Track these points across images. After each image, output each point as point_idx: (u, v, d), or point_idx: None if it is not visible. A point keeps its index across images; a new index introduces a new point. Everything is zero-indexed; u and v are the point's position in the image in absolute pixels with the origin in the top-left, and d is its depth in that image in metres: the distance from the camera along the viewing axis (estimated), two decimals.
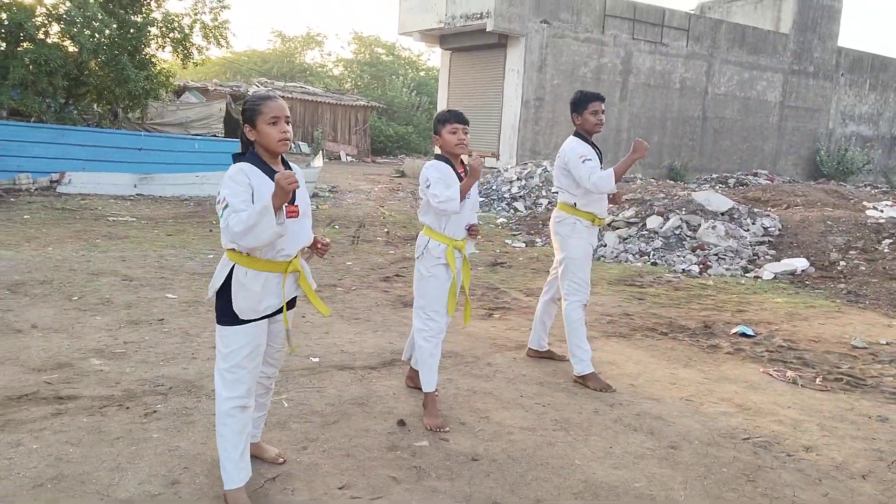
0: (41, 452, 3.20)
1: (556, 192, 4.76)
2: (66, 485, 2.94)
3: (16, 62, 13.22)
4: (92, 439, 3.36)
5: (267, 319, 2.90)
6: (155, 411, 3.73)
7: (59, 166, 12.77)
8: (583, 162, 4.39)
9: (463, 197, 3.73)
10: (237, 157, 2.83)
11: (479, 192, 15.33)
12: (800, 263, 8.91)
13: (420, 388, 3.98)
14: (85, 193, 12.51)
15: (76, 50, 14.02)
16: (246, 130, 2.81)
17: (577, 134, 4.59)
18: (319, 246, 3.02)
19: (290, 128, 2.81)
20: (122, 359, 4.50)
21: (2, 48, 13.84)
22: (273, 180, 2.64)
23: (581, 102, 4.54)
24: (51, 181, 12.61)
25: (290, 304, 3.00)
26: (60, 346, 4.66)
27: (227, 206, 2.64)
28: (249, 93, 27.12)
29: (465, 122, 3.82)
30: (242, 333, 2.81)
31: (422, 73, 40.26)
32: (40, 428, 3.44)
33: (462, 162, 3.91)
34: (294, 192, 2.77)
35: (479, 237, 4.06)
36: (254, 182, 2.73)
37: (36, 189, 12.38)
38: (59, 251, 7.67)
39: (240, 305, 2.78)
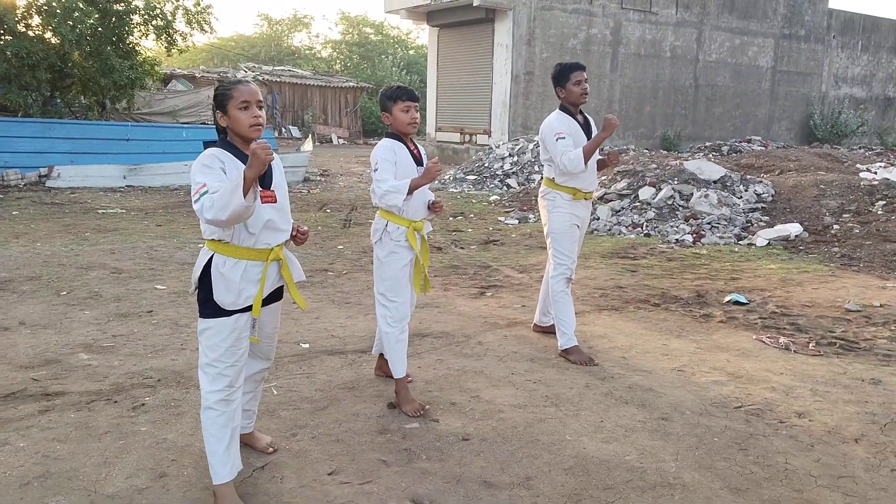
0: (28, 450, 3.18)
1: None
2: (53, 482, 2.92)
3: None
4: (79, 435, 3.34)
5: (250, 311, 2.82)
6: (143, 404, 3.71)
7: (48, 160, 12.69)
8: (556, 140, 4.35)
9: (422, 181, 3.58)
10: (208, 144, 2.75)
11: (471, 171, 15.29)
12: (793, 229, 8.88)
13: (391, 377, 3.84)
14: (74, 187, 12.44)
15: (58, 41, 13.88)
16: (218, 117, 2.72)
17: (562, 108, 4.54)
18: (297, 234, 2.95)
19: (262, 113, 2.73)
20: (110, 352, 4.48)
21: None
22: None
23: (562, 74, 4.46)
24: (39, 176, 12.54)
25: (276, 294, 2.93)
26: (48, 342, 4.63)
27: (206, 191, 2.54)
28: (237, 78, 27.01)
29: (416, 99, 3.68)
30: (223, 325, 2.73)
31: (411, 52, 40.00)
32: (27, 426, 3.42)
33: (412, 140, 3.79)
34: (270, 177, 2.77)
35: (443, 212, 4.00)
36: (227, 167, 2.66)
37: (25, 184, 12.31)
38: (48, 246, 7.63)
39: (220, 296, 2.71)
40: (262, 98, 2.74)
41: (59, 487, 2.88)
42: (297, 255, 3.00)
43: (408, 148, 3.72)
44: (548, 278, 4.84)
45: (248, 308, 2.78)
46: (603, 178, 11.28)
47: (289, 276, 2.88)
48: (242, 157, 2.69)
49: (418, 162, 3.73)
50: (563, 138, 4.35)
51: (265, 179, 2.75)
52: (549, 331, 4.90)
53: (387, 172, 3.60)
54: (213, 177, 2.60)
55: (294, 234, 2.94)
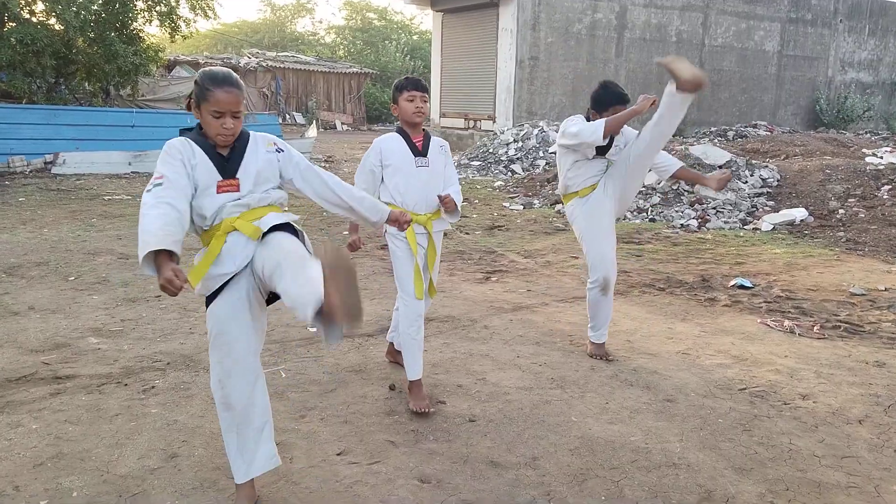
0: (41, 432, 3.22)
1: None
2: (66, 462, 2.96)
3: (2, 43, 13.10)
4: (91, 417, 3.38)
5: (244, 299, 2.54)
6: (153, 387, 3.75)
7: (53, 147, 12.71)
8: (573, 124, 4.05)
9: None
10: (183, 132, 2.61)
11: (476, 156, 15.28)
12: (798, 213, 8.87)
13: (400, 364, 3.81)
14: (80, 173, 12.47)
15: (62, 28, 13.88)
16: (192, 106, 2.57)
17: (586, 118, 4.16)
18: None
19: (235, 123, 2.51)
20: (119, 336, 4.52)
21: None
22: (209, 155, 2.52)
23: (604, 102, 4.07)
24: (45, 162, 12.56)
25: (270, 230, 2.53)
26: (58, 326, 4.67)
27: (160, 183, 2.37)
28: (241, 65, 26.92)
29: (422, 89, 3.57)
30: (209, 314, 2.57)
31: (415, 37, 39.84)
32: (39, 408, 3.46)
33: (423, 130, 3.65)
34: (236, 166, 2.57)
35: (455, 211, 3.60)
36: (190, 156, 2.50)
37: (30, 171, 12.34)
38: (55, 232, 7.67)
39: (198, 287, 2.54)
40: (241, 108, 2.55)
41: (72, 468, 2.92)
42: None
43: (409, 140, 3.61)
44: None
45: (218, 292, 2.54)
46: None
47: (244, 225, 2.51)
48: (211, 152, 2.55)
49: (419, 153, 3.59)
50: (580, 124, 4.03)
51: (227, 169, 2.55)
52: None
53: (359, 176, 3.66)
54: (172, 169, 2.44)
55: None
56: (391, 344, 4.17)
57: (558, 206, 9.76)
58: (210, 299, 2.57)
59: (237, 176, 2.57)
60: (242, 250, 2.51)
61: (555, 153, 4.27)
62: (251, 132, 2.68)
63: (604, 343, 4.36)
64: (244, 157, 2.60)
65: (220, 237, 2.52)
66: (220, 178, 2.54)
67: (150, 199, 2.35)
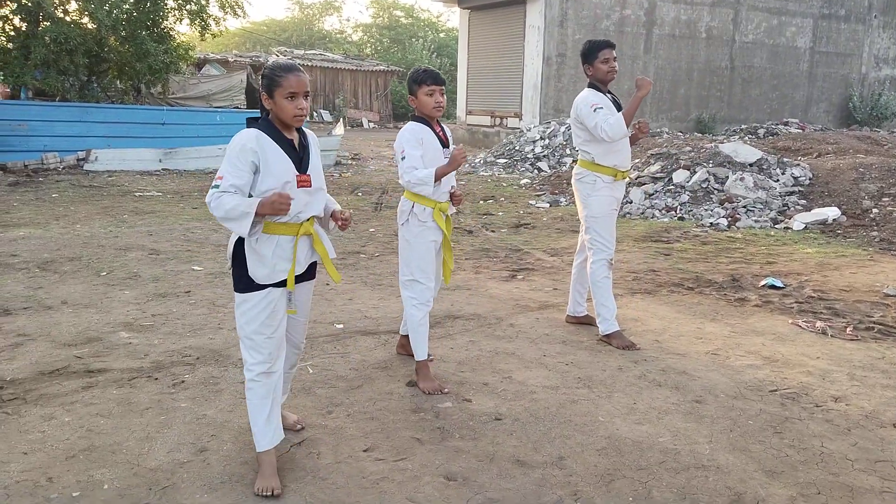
0: (73, 425, 3.27)
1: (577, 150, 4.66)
2: (98, 455, 3.00)
3: (36, 42, 13.32)
4: (122, 410, 3.43)
5: (284, 287, 2.86)
6: (183, 381, 3.79)
7: (85, 144, 12.92)
8: (594, 111, 4.30)
9: (448, 168, 3.62)
10: (251, 122, 2.80)
11: (502, 154, 15.25)
12: (831, 212, 8.72)
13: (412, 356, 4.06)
14: (111, 170, 12.66)
15: (95, 26, 14.07)
16: (262, 98, 2.77)
17: (590, 85, 4.52)
18: (340, 222, 2.95)
19: (307, 103, 2.77)
20: (150, 331, 4.58)
21: (22, 28, 13.94)
22: (285, 150, 2.75)
23: (591, 52, 4.45)
24: (77, 159, 12.77)
25: (308, 273, 2.98)
26: (90, 320, 4.74)
27: (219, 185, 2.63)
28: (269, 63, 27.17)
29: (441, 82, 3.65)
30: (257, 299, 2.79)
31: (442, 35, 39.83)
32: (72, 401, 3.52)
33: (439, 123, 3.78)
34: (308, 162, 2.84)
35: (461, 204, 3.86)
36: (262, 153, 2.71)
37: (63, 167, 12.55)
38: (87, 228, 7.79)
39: (254, 270, 2.77)
40: (309, 88, 2.78)
41: (103, 460, 2.97)
42: (330, 236, 3.05)
43: (434, 131, 3.71)
44: (578, 266, 4.82)
45: (281, 283, 2.83)
46: (636, 161, 11.18)
47: (323, 251, 2.94)
48: (282, 140, 2.77)
49: (444, 144, 3.74)
50: (602, 108, 4.32)
51: (302, 164, 2.82)
52: (584, 322, 4.86)
53: (414, 160, 3.60)
54: (239, 173, 2.67)
55: (339, 222, 2.95)
56: (402, 336, 4.25)
57: None
58: (261, 286, 2.79)
59: (308, 172, 2.82)
60: (309, 256, 2.94)
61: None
62: (304, 129, 2.92)
63: (621, 330, 4.52)
64: (310, 154, 2.87)
65: (301, 238, 2.84)
66: (298, 173, 2.78)
67: (217, 196, 2.64)
